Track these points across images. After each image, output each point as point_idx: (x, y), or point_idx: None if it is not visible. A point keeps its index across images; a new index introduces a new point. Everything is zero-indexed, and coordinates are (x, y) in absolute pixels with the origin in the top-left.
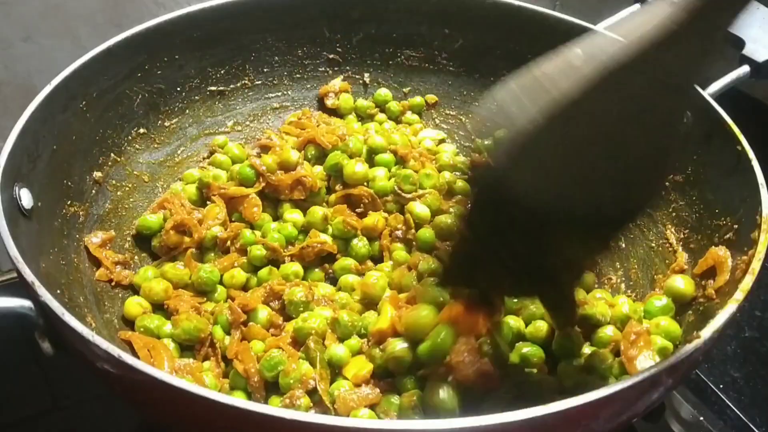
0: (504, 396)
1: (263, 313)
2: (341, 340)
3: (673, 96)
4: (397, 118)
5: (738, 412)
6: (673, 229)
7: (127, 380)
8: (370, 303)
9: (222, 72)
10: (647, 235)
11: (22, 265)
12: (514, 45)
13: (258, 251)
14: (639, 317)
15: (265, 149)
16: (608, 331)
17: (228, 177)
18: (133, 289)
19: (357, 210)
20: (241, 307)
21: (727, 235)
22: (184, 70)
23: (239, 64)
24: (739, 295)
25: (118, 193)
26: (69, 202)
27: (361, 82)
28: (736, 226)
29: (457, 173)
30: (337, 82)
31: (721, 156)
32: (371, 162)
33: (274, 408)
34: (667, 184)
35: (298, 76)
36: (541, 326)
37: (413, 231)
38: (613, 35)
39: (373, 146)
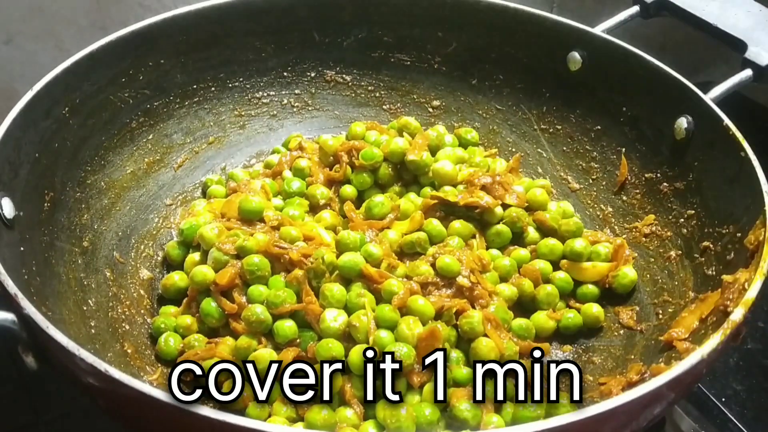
0: None
1: None
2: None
3: None
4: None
5: (741, 426)
6: (671, 237)
7: (112, 394)
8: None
9: (209, 77)
10: (648, 245)
11: (5, 277)
12: (509, 48)
13: None
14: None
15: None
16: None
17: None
18: (117, 299)
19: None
20: None
21: (730, 244)
22: (169, 75)
23: (226, 69)
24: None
25: (103, 201)
26: (52, 212)
27: (350, 86)
28: (739, 235)
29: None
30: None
31: (724, 162)
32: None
33: (267, 424)
34: (667, 191)
35: (287, 80)
36: None
37: None
38: None
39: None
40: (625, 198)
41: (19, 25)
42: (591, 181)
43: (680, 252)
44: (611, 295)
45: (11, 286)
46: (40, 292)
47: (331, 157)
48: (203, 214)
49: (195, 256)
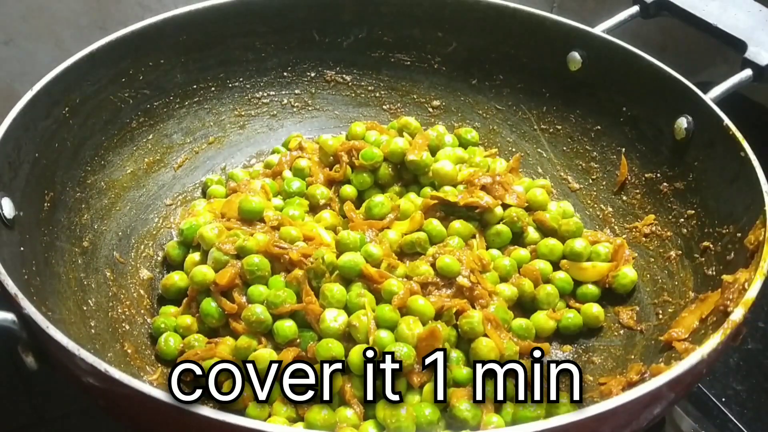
0: None
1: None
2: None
3: None
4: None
5: (741, 426)
6: (671, 237)
7: (112, 394)
8: None
9: (209, 77)
10: (648, 245)
11: (5, 277)
12: (509, 48)
13: None
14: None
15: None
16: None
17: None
18: (117, 299)
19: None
20: None
21: (730, 244)
22: (169, 75)
23: (226, 69)
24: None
25: (103, 201)
26: (52, 212)
27: (350, 86)
28: (739, 235)
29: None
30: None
31: (724, 162)
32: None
33: (267, 424)
34: (667, 191)
35: (287, 80)
36: None
37: None
38: None
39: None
40: (625, 198)
41: (19, 25)
42: (591, 181)
43: (680, 252)
44: (611, 295)
45: (11, 286)
46: (40, 292)
47: (331, 157)
48: (203, 214)
49: (195, 256)
